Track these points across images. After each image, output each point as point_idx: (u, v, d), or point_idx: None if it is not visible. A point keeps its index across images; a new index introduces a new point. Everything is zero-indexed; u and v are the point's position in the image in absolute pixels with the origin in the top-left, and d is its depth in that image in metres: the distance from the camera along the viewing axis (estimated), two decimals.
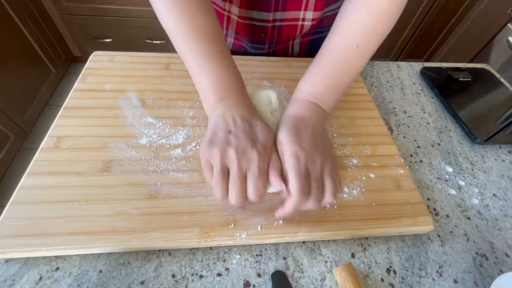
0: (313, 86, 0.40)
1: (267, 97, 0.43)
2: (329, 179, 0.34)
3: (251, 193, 0.33)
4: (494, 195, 0.47)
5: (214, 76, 0.37)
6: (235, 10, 0.56)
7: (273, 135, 0.37)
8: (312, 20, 0.57)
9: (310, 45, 0.66)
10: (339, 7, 0.50)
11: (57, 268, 0.34)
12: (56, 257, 0.35)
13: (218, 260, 0.36)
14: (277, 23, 0.58)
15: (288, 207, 0.33)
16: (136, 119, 0.47)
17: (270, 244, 0.38)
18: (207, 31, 0.39)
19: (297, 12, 0.56)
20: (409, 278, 0.37)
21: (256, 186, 0.32)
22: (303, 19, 0.57)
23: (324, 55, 0.41)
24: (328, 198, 0.33)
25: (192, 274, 0.35)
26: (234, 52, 0.66)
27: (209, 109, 0.38)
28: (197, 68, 0.38)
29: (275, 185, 0.33)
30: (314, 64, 0.42)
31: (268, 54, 0.65)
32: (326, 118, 0.41)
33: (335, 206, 0.40)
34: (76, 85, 0.50)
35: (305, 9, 0.55)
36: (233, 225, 0.36)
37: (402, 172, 0.45)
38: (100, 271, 0.34)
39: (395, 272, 0.37)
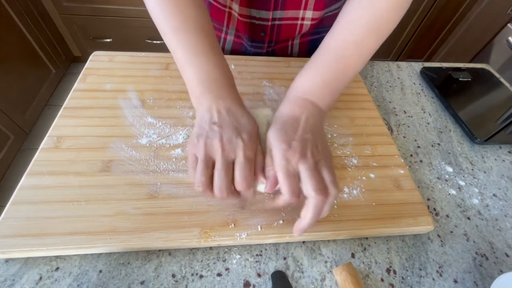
0: (309, 83, 0.39)
1: (265, 117, 0.41)
2: (326, 171, 0.33)
3: (239, 181, 0.31)
4: (494, 195, 0.47)
5: (201, 69, 0.37)
6: (235, 7, 0.56)
7: (256, 127, 0.37)
8: (312, 19, 0.57)
9: (310, 46, 0.66)
10: (339, 8, 0.50)
11: (57, 268, 0.34)
12: (56, 257, 0.35)
13: (218, 260, 0.36)
14: (277, 22, 0.58)
15: (279, 204, 0.32)
16: (136, 119, 0.47)
17: (270, 244, 0.38)
18: (196, 24, 0.38)
19: (296, 11, 0.56)
20: (409, 278, 0.37)
21: (243, 172, 0.31)
22: (303, 19, 0.57)
23: (322, 52, 0.40)
24: (331, 190, 0.32)
25: (192, 274, 0.35)
26: (234, 50, 0.66)
27: (195, 102, 0.38)
28: (185, 61, 0.38)
29: (261, 182, 0.33)
30: (311, 61, 0.40)
31: (267, 54, 0.65)
32: (322, 116, 0.39)
33: (335, 206, 0.40)
34: (76, 85, 0.50)
35: (305, 9, 0.56)
36: (233, 225, 0.36)
37: (402, 172, 0.45)
38: (100, 271, 0.34)
39: (395, 272, 0.37)
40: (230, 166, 0.32)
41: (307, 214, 0.31)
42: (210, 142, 0.33)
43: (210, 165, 0.32)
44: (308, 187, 0.31)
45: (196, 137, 0.34)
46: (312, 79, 0.39)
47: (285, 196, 0.31)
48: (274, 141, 0.33)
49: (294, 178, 0.32)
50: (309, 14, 0.57)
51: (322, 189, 0.31)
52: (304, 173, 0.31)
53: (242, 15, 0.57)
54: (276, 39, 0.62)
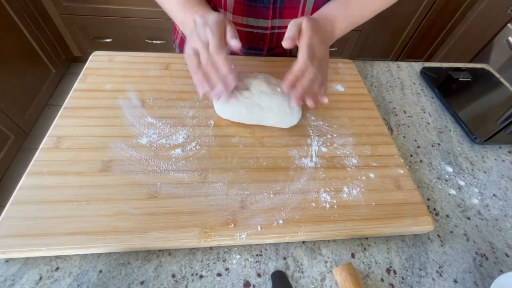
0: (335, 11, 0.49)
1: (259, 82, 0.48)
2: (325, 66, 0.44)
3: (212, 48, 0.40)
4: (494, 195, 0.47)
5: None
6: (229, 16, 0.57)
7: (221, 16, 0.44)
8: None
9: None
10: None
11: (57, 268, 0.34)
12: (56, 257, 0.35)
13: (218, 260, 0.36)
14: (276, 30, 0.59)
15: (296, 68, 0.41)
16: (136, 119, 0.47)
17: (270, 244, 0.38)
18: None
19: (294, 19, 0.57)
20: (409, 278, 0.37)
21: (214, 44, 0.40)
22: None
23: None
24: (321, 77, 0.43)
25: (192, 274, 0.35)
26: (233, 53, 0.66)
27: (181, 26, 0.49)
28: None
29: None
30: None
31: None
32: (333, 36, 0.50)
33: (335, 206, 0.40)
34: (76, 85, 0.50)
35: (302, 15, 0.57)
36: (233, 225, 0.36)
37: (402, 172, 0.45)
38: (100, 271, 0.34)
39: (395, 272, 0.37)
40: (206, 43, 0.41)
41: (303, 79, 0.42)
42: (192, 40, 0.42)
43: (198, 57, 0.41)
44: (314, 63, 0.42)
45: (186, 46, 0.43)
46: (337, 11, 0.50)
47: (303, 59, 0.41)
48: (308, 23, 0.42)
49: (313, 51, 0.42)
50: None
51: (318, 68, 0.42)
52: (317, 55, 0.42)
53: (237, 24, 0.58)
54: (275, 46, 0.63)
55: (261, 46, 0.62)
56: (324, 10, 0.50)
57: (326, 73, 0.46)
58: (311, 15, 0.49)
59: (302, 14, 0.57)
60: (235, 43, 0.42)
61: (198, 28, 0.42)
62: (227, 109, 0.47)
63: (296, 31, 0.42)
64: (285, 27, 0.58)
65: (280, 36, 0.60)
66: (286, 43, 0.41)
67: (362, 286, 0.32)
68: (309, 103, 0.44)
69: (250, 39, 0.60)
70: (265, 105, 0.46)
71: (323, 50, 0.44)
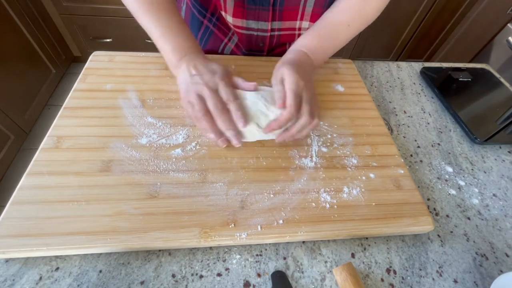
0: (307, 43, 0.50)
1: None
2: (316, 107, 0.44)
3: (225, 96, 0.41)
4: (494, 195, 0.47)
5: (173, 40, 0.46)
6: (229, 19, 0.57)
7: (227, 68, 0.45)
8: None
9: None
10: None
11: (57, 268, 0.34)
12: (56, 257, 0.35)
13: (218, 260, 0.36)
14: (276, 33, 0.59)
15: (282, 118, 0.41)
16: (136, 119, 0.47)
17: (270, 244, 0.38)
18: (163, 6, 0.46)
19: (293, 22, 0.58)
20: (409, 278, 0.37)
21: (227, 91, 0.41)
22: (299, 29, 0.60)
23: (320, 24, 0.52)
24: (315, 120, 0.43)
25: (192, 274, 0.35)
26: (232, 53, 0.66)
27: (174, 69, 0.46)
28: (159, 35, 0.46)
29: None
30: (310, 30, 0.52)
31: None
32: (313, 68, 0.50)
33: (335, 206, 0.40)
34: (76, 85, 0.50)
35: (301, 19, 0.57)
36: (233, 225, 0.36)
37: (402, 172, 0.45)
38: (100, 271, 0.34)
39: (395, 272, 0.37)
40: (220, 98, 0.41)
41: (293, 128, 0.43)
42: (197, 87, 0.41)
43: (204, 103, 0.41)
44: (305, 108, 0.42)
45: (185, 92, 0.42)
46: (310, 41, 0.50)
47: (289, 109, 0.40)
48: (289, 71, 0.42)
49: (299, 98, 0.42)
50: (305, 24, 0.59)
51: (312, 114, 0.42)
52: (306, 97, 0.42)
53: (237, 26, 0.58)
54: (275, 47, 0.63)
55: (261, 48, 0.63)
56: (301, 43, 0.50)
57: (317, 107, 0.45)
58: (286, 58, 0.48)
59: (302, 17, 0.57)
60: (246, 84, 0.44)
61: (203, 74, 0.42)
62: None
63: (282, 87, 0.42)
64: (285, 29, 0.59)
65: (280, 38, 0.61)
66: (278, 106, 0.42)
67: (362, 286, 0.32)
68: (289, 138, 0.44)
69: (250, 41, 0.61)
70: (263, 124, 0.45)
71: (310, 88, 0.44)
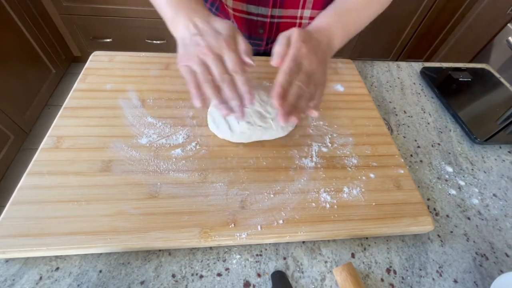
0: (326, 17, 0.47)
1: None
2: (313, 86, 0.39)
3: (231, 66, 0.36)
4: (494, 195, 0.47)
5: None
6: (229, 2, 0.56)
7: (233, 24, 0.40)
8: (310, 18, 0.58)
9: None
10: None
11: (57, 268, 0.34)
12: (56, 257, 0.35)
13: (218, 260, 0.36)
14: (276, 20, 0.58)
15: (277, 82, 0.36)
16: (136, 119, 0.47)
17: (270, 244, 0.38)
18: None
19: (295, 10, 0.57)
20: (409, 278, 0.37)
21: (234, 61, 0.36)
22: (301, 17, 0.58)
23: (337, 3, 0.49)
24: (311, 87, 0.39)
25: (192, 274, 0.35)
26: None
27: (171, 26, 0.41)
28: None
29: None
30: (328, 9, 0.49)
31: (265, 52, 0.65)
32: (332, 52, 0.46)
33: (335, 206, 0.40)
34: (76, 85, 0.50)
35: (303, 7, 0.56)
36: (233, 225, 0.36)
37: (402, 172, 0.45)
38: (100, 271, 0.34)
39: (395, 272, 0.37)
40: (225, 68, 0.36)
41: (290, 97, 0.37)
42: (198, 49, 0.36)
43: (207, 70, 0.36)
44: (298, 77, 0.37)
45: (183, 49, 0.38)
46: (329, 16, 0.47)
47: (283, 71, 0.37)
48: (297, 35, 0.39)
49: (299, 63, 0.38)
50: (307, 13, 0.57)
51: (307, 83, 0.38)
52: (305, 66, 0.38)
53: (236, 10, 0.57)
54: (275, 37, 0.62)
55: (260, 35, 0.62)
56: (318, 21, 0.47)
57: (320, 87, 0.41)
58: (305, 27, 0.45)
59: (304, 5, 0.56)
60: (248, 61, 0.38)
61: (205, 35, 0.37)
62: (224, 130, 0.45)
63: (285, 45, 0.39)
64: (285, 17, 0.58)
65: (280, 26, 0.60)
66: (274, 62, 0.38)
67: (362, 286, 0.32)
68: (292, 119, 0.38)
69: (249, 26, 0.60)
70: (262, 125, 0.45)
71: (315, 62, 0.40)
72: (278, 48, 0.39)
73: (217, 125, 0.45)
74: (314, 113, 0.41)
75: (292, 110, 0.37)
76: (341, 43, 0.47)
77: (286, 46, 0.39)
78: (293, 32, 0.40)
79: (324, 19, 0.47)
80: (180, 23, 0.39)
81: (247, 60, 0.38)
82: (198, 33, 0.37)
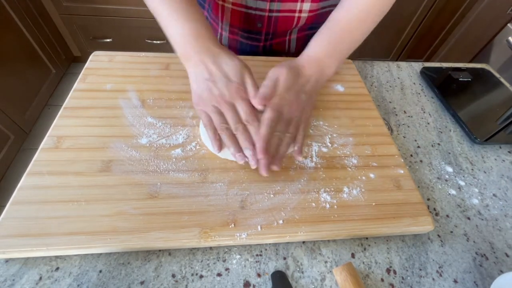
0: (319, 46, 0.47)
1: None
2: (294, 128, 0.42)
3: (244, 116, 0.40)
4: (494, 195, 0.47)
5: (183, 24, 0.43)
6: None
7: (242, 63, 0.43)
8: (309, 12, 0.58)
9: (307, 41, 0.66)
10: (335, 5, 0.50)
11: (57, 268, 0.34)
12: (56, 257, 0.35)
13: (218, 260, 0.36)
14: (274, 14, 0.58)
15: (262, 131, 0.39)
16: (136, 119, 0.47)
17: (270, 244, 0.38)
18: None
19: (294, 3, 0.56)
20: (409, 278, 0.37)
21: (246, 111, 0.40)
22: (300, 11, 0.58)
23: (330, 24, 0.48)
24: (288, 136, 0.42)
25: (192, 274, 0.35)
26: (230, 48, 0.66)
27: (183, 57, 0.44)
28: (168, 17, 0.43)
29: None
30: (321, 30, 0.48)
31: (264, 49, 0.65)
32: (325, 80, 0.48)
33: (335, 206, 0.40)
34: (76, 85, 0.50)
35: (302, 1, 0.56)
36: (233, 225, 0.36)
37: (402, 172, 0.45)
38: (100, 271, 0.34)
39: (395, 272, 0.37)
40: (239, 117, 0.40)
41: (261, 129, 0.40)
42: (212, 97, 0.40)
43: (223, 118, 0.41)
44: (280, 123, 0.41)
45: (199, 98, 0.42)
46: (322, 44, 0.47)
47: (266, 122, 0.39)
48: (284, 79, 0.42)
49: (278, 114, 0.41)
50: (306, 6, 0.57)
51: (283, 129, 0.42)
52: (285, 115, 0.41)
53: (236, 4, 0.57)
54: (273, 31, 0.62)
55: (258, 29, 0.61)
56: (311, 50, 0.47)
57: (303, 126, 0.43)
58: (292, 62, 0.45)
59: (302, 0, 0.56)
60: (258, 106, 0.41)
61: (217, 81, 0.40)
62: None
63: (271, 88, 0.41)
64: (284, 11, 0.58)
65: (279, 20, 0.59)
66: (258, 103, 0.40)
67: (362, 286, 0.32)
68: (274, 168, 0.39)
69: (248, 20, 0.60)
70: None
71: (296, 110, 0.42)
72: (263, 89, 0.41)
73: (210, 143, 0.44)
74: (299, 158, 0.43)
75: (272, 161, 0.39)
76: (336, 70, 0.49)
77: (272, 89, 0.41)
78: (281, 75, 0.42)
79: (317, 49, 0.47)
80: (194, 59, 0.42)
81: (257, 106, 0.41)
82: (210, 78, 0.41)
